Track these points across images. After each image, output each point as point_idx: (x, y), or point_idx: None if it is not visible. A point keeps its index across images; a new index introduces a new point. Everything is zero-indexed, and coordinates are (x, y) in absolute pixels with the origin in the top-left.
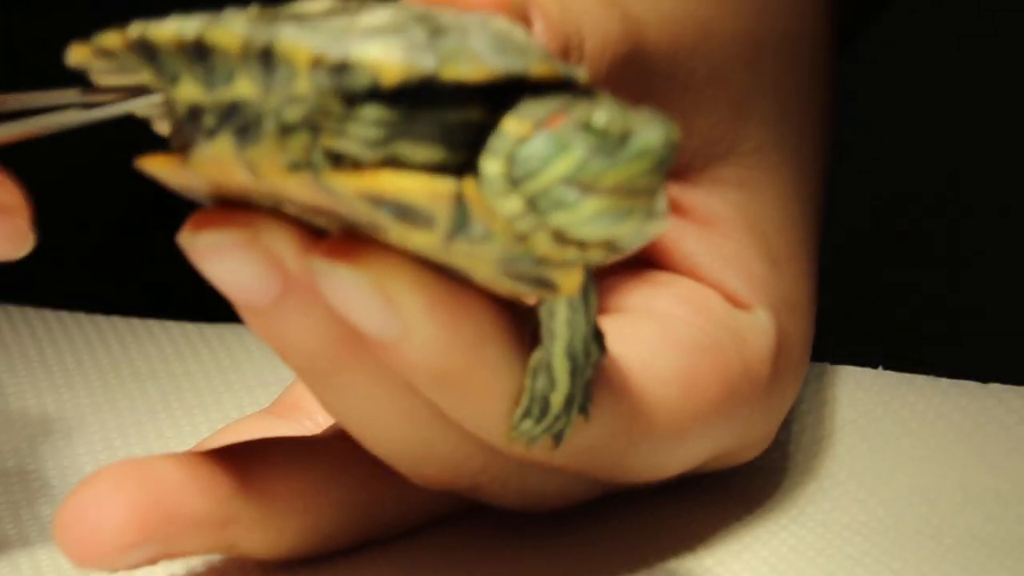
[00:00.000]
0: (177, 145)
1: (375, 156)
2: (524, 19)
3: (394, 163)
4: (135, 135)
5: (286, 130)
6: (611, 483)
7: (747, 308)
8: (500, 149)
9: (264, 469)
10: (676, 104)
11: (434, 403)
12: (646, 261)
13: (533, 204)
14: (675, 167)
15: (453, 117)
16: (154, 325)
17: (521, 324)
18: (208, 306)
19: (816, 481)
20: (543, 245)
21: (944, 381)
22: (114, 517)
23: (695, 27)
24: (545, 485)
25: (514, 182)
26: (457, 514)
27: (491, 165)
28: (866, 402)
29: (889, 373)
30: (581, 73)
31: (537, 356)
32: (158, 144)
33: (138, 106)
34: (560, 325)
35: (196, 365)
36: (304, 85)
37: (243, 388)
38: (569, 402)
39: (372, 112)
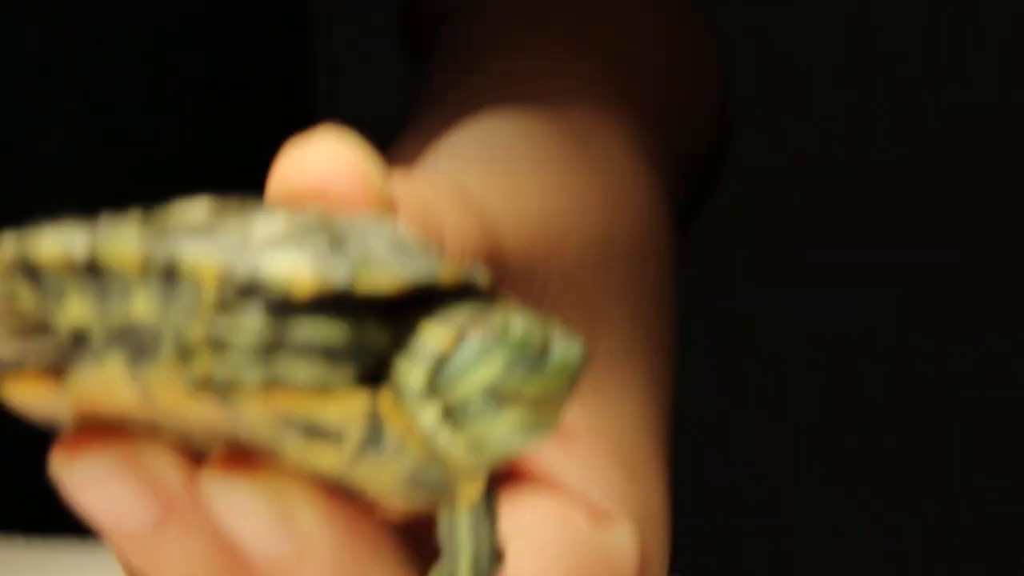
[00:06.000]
0: (40, 366)
1: (256, 376)
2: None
3: (277, 383)
4: None
5: (187, 351)
6: None
7: (607, 521)
8: (421, 358)
9: None
10: (532, 309)
11: None
12: (502, 470)
13: (450, 414)
14: None
15: (344, 329)
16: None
17: (408, 538)
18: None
19: None
20: (457, 456)
21: None
22: None
23: (548, 228)
24: None
25: (433, 391)
26: None
27: (413, 375)
28: None
29: None
30: (481, 276)
31: (437, 574)
32: None
33: None
34: (465, 537)
35: None
36: (209, 302)
37: None
38: None
39: (254, 322)
